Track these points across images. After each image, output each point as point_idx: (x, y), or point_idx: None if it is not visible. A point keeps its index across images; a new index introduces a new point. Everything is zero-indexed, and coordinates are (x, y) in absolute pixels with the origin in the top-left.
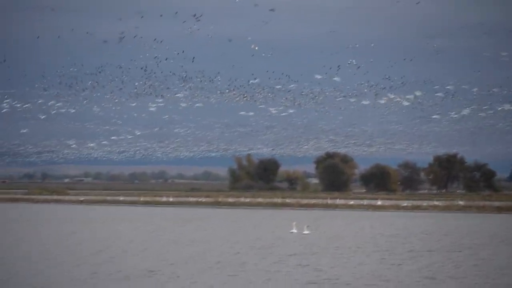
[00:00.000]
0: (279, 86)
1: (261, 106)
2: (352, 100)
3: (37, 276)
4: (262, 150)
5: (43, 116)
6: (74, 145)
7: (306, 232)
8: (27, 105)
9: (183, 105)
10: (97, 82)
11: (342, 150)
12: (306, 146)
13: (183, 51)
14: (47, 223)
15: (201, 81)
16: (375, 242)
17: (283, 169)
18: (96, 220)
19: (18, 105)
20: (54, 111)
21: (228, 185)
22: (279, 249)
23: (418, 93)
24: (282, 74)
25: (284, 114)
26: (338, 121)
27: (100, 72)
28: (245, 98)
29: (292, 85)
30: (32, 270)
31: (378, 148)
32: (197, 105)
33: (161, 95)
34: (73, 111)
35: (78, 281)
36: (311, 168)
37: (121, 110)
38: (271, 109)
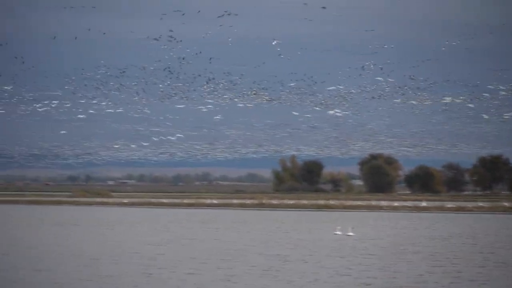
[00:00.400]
0: (316, 88)
1: (303, 108)
2: (396, 100)
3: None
4: (306, 152)
5: (81, 117)
6: (117, 147)
7: (350, 233)
8: (63, 107)
9: (226, 107)
10: (121, 83)
11: (386, 151)
12: (350, 147)
13: (200, 52)
14: (106, 226)
15: (232, 83)
16: (418, 244)
17: (327, 170)
18: (141, 222)
19: (52, 107)
20: (92, 112)
21: (272, 187)
22: (322, 250)
23: (460, 97)
24: (316, 75)
25: (327, 115)
26: (382, 122)
27: (122, 73)
28: (284, 100)
29: (331, 87)
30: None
31: (422, 149)
32: (239, 105)
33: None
34: (111, 111)
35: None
36: (355, 170)
37: (161, 111)
38: (316, 108)
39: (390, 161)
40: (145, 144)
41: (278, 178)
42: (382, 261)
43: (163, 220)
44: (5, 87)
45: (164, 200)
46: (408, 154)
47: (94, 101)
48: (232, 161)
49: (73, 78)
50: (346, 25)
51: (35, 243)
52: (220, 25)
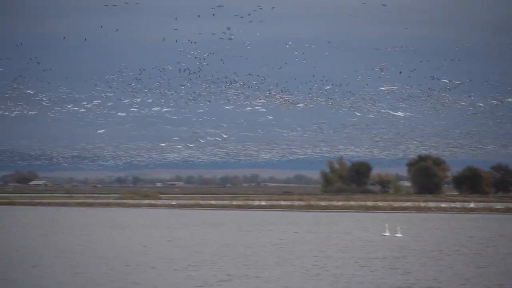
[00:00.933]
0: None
1: (349, 110)
2: (447, 100)
3: None
4: (354, 153)
5: (123, 117)
6: (165, 148)
7: (398, 235)
8: (101, 108)
9: (273, 108)
10: (139, 84)
11: (434, 152)
12: (398, 148)
13: (211, 53)
14: (151, 227)
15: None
16: (465, 245)
17: (375, 172)
18: (190, 224)
19: (89, 108)
20: (132, 114)
21: (320, 188)
22: (371, 251)
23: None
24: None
25: (373, 116)
26: (430, 123)
27: (140, 74)
28: (330, 101)
29: (383, 87)
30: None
31: (470, 150)
32: (282, 108)
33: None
34: (155, 111)
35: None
36: (403, 171)
37: (205, 113)
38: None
39: (438, 162)
40: (192, 145)
41: (326, 180)
42: (437, 261)
43: (218, 222)
44: (28, 91)
45: (213, 202)
46: (456, 155)
47: (136, 101)
48: (280, 162)
49: (111, 78)
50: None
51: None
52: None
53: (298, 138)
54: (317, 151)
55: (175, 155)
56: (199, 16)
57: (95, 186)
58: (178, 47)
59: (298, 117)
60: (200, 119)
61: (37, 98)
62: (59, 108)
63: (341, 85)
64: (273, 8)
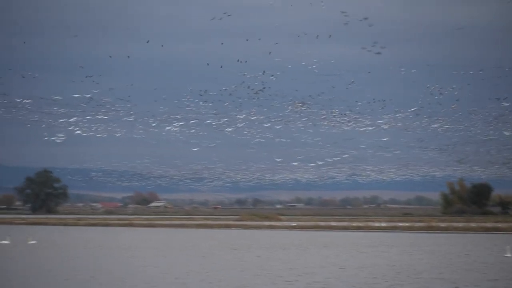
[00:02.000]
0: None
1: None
2: None
3: None
4: (475, 174)
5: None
6: (285, 169)
7: None
8: (209, 128)
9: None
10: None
11: None
12: None
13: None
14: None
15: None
16: None
17: (496, 193)
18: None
19: (188, 126)
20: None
21: (440, 210)
22: (493, 273)
23: None
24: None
25: (496, 135)
26: None
27: (203, 94)
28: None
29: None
30: None
31: None
32: (383, 127)
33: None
34: (272, 133)
35: None
36: None
37: (324, 133)
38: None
39: None
40: (312, 165)
41: (447, 201)
42: None
43: (337, 243)
44: (103, 114)
45: (333, 223)
46: None
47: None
48: (400, 184)
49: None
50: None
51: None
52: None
53: (418, 160)
54: (439, 172)
55: (295, 176)
56: None
57: (215, 207)
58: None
59: (418, 137)
60: (319, 140)
61: (145, 118)
62: (168, 127)
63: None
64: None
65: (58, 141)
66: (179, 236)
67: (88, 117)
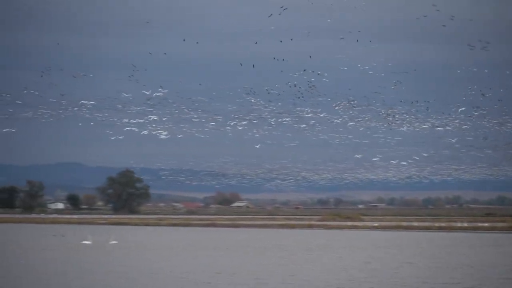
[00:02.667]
0: None
1: None
2: None
3: None
4: None
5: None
6: (367, 169)
7: None
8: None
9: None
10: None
11: None
12: None
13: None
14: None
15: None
16: None
17: None
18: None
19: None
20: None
21: None
22: None
23: None
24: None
25: None
26: None
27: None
28: None
29: None
30: None
31: None
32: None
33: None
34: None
35: None
36: None
37: (404, 133)
38: None
39: None
40: (394, 163)
41: None
42: None
43: (417, 243)
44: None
45: (415, 224)
46: None
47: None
48: (482, 183)
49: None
50: None
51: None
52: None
53: (499, 158)
54: None
55: (378, 176)
56: None
57: (297, 207)
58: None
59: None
60: (401, 140)
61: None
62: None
63: None
64: None
65: (162, 136)
66: (262, 236)
67: (165, 117)
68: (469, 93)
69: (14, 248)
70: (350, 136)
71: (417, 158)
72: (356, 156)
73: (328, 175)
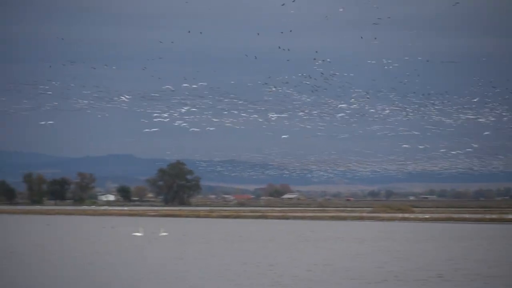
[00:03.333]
0: None
1: None
2: None
3: None
4: None
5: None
6: (417, 161)
7: None
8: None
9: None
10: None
11: None
12: None
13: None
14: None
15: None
16: None
17: None
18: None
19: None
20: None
21: None
22: None
23: None
24: None
25: None
26: None
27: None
28: None
29: None
30: None
31: None
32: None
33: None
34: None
35: None
36: None
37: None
38: None
39: None
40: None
41: None
42: None
43: (467, 236)
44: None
45: (466, 215)
46: None
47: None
48: None
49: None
50: None
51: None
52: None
53: None
54: None
55: (428, 167)
56: None
57: (348, 199)
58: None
59: None
60: (452, 131)
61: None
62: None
63: None
64: None
65: (211, 128)
66: (315, 228)
67: (210, 111)
68: None
69: (66, 239)
70: (401, 128)
71: (470, 149)
72: (405, 146)
73: (378, 167)
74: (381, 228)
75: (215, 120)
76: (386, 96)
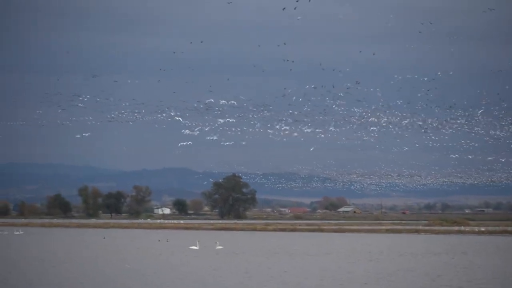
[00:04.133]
0: None
1: None
2: None
3: None
4: None
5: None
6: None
7: None
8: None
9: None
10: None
11: None
12: None
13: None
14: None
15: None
16: None
17: None
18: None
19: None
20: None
21: None
22: None
23: None
24: None
25: None
26: None
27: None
28: None
29: None
30: None
31: None
32: None
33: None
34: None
35: None
36: None
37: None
38: None
39: None
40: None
41: None
42: None
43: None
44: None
45: None
46: None
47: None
48: None
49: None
50: None
51: None
52: None
53: None
54: None
55: (483, 180)
56: None
57: (404, 212)
58: None
59: None
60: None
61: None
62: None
63: None
64: None
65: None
66: (368, 241)
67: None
68: None
69: (121, 252)
70: (454, 140)
71: None
72: (463, 158)
73: (433, 179)
74: (435, 241)
75: (267, 132)
76: (439, 107)
